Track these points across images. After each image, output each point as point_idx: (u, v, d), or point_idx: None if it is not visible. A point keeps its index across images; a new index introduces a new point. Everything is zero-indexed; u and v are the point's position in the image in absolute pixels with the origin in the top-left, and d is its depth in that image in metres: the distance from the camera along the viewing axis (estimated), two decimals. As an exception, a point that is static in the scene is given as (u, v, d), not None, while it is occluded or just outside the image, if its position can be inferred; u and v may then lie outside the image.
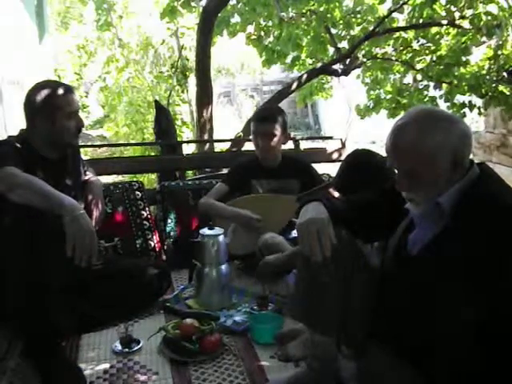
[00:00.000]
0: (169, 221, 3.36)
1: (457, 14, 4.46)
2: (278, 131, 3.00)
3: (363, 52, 4.91)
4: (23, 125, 2.31)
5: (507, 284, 1.37)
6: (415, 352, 1.51)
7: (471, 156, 1.60)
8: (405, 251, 1.63)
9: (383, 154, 1.68)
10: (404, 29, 4.74)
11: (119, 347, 2.23)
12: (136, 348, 2.22)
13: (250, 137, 3.12)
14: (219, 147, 5.51)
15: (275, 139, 3.00)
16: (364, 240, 1.95)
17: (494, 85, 4.34)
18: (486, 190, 1.49)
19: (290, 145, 4.20)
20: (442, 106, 4.56)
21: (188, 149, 5.91)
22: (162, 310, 2.60)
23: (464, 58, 4.58)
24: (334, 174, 3.25)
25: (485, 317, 1.36)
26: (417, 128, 1.50)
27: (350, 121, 5.27)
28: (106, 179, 4.10)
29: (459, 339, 1.39)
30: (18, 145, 2.21)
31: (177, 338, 2.18)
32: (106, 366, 2.12)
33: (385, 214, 1.75)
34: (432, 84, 4.68)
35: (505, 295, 1.37)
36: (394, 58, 4.88)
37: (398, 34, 4.81)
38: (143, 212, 3.26)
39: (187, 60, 6.68)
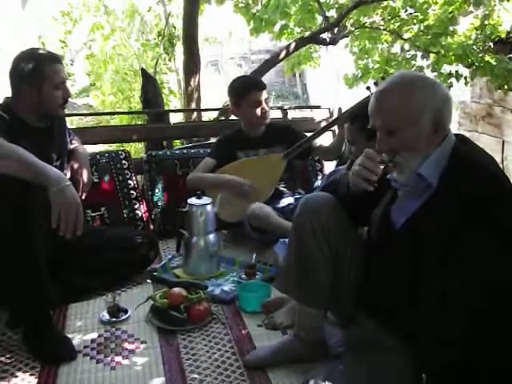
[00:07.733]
0: (156, 190, 3.34)
1: (445, -17, 4.43)
2: None
3: (351, 21, 4.87)
4: (7, 92, 2.27)
5: (487, 252, 1.39)
6: (402, 323, 1.54)
7: (457, 126, 1.60)
8: (389, 224, 1.64)
9: None
10: (392, -3, 4.70)
11: (107, 317, 2.23)
12: (124, 317, 2.24)
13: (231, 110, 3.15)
14: (207, 116, 5.46)
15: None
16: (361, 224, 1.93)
17: (480, 55, 4.32)
18: (467, 158, 1.50)
19: (277, 114, 4.20)
20: (429, 75, 4.55)
21: (175, 118, 5.86)
22: (150, 279, 2.61)
23: (451, 28, 4.56)
24: (321, 143, 3.26)
25: (470, 285, 1.38)
26: (401, 89, 1.53)
27: (337, 90, 5.25)
28: (93, 148, 4.06)
29: (445, 310, 1.41)
30: (2, 113, 2.18)
31: (165, 307, 2.19)
32: (94, 335, 2.13)
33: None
34: (419, 53, 4.67)
35: (487, 263, 1.39)
36: (382, 28, 4.84)
37: (386, 2, 4.76)
38: (130, 181, 3.24)
39: (174, 28, 6.56)
